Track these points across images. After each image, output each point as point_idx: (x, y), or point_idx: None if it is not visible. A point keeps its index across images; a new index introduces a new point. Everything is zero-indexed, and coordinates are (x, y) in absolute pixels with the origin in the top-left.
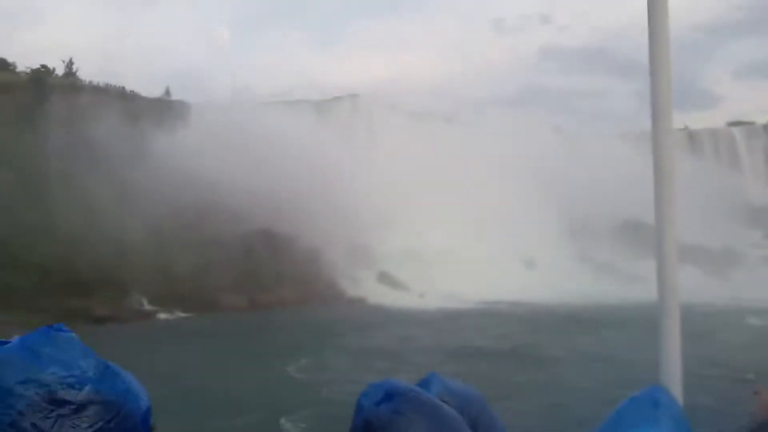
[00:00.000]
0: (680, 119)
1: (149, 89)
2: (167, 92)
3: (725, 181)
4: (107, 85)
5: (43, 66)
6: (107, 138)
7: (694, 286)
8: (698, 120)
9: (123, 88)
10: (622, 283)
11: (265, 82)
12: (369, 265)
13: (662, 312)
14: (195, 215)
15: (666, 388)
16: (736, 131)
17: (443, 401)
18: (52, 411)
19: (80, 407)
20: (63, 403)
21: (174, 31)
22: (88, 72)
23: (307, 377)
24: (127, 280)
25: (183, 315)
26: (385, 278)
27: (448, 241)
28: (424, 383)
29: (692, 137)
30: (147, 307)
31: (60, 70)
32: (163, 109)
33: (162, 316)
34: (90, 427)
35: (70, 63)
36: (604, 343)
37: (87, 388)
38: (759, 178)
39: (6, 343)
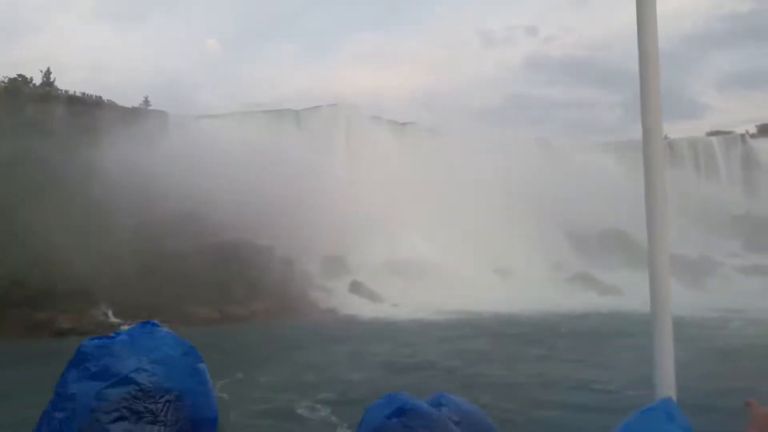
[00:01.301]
0: (663, 129)
1: (138, 101)
2: (146, 102)
3: (704, 191)
4: (83, 94)
5: (20, 76)
6: (80, 148)
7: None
8: (682, 130)
9: (100, 97)
10: (597, 293)
11: (255, 93)
12: (344, 276)
13: (655, 324)
14: (169, 226)
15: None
16: (714, 141)
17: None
18: (154, 401)
19: (173, 401)
20: (165, 391)
21: (165, 43)
22: (77, 84)
23: (226, 396)
24: (96, 292)
25: None
26: (359, 289)
27: (426, 251)
28: (434, 402)
29: (672, 147)
30: (112, 319)
31: (40, 81)
32: (141, 119)
33: (126, 328)
34: (177, 422)
35: (48, 73)
36: (551, 357)
37: (178, 386)
38: (737, 188)
39: (117, 335)
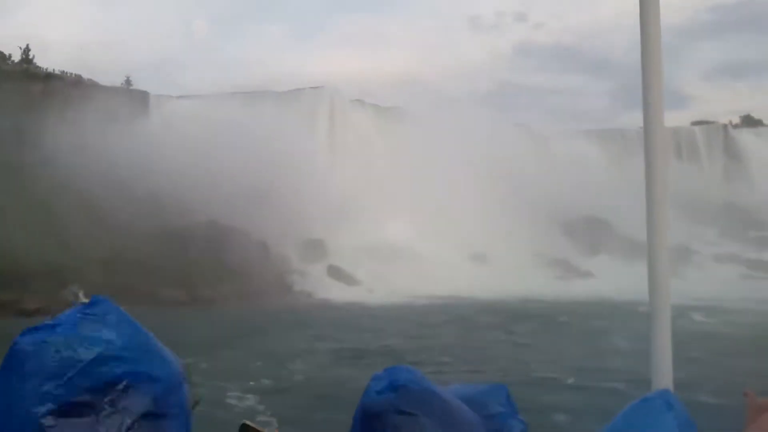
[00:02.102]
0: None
1: (121, 81)
2: (128, 81)
3: (684, 179)
4: (63, 72)
5: None
6: (55, 126)
7: (642, 283)
8: (668, 119)
9: (79, 76)
10: (573, 279)
11: (242, 75)
12: (322, 260)
13: (653, 313)
14: (143, 206)
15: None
16: (697, 130)
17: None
18: (112, 391)
19: (132, 386)
20: (120, 378)
21: (151, 23)
22: (61, 62)
23: None
24: (67, 272)
25: None
26: (335, 273)
27: (405, 236)
28: (492, 391)
29: None
30: (83, 299)
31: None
32: (121, 99)
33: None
34: (142, 405)
35: (27, 50)
36: (506, 343)
37: (135, 369)
38: (717, 177)
39: (58, 322)
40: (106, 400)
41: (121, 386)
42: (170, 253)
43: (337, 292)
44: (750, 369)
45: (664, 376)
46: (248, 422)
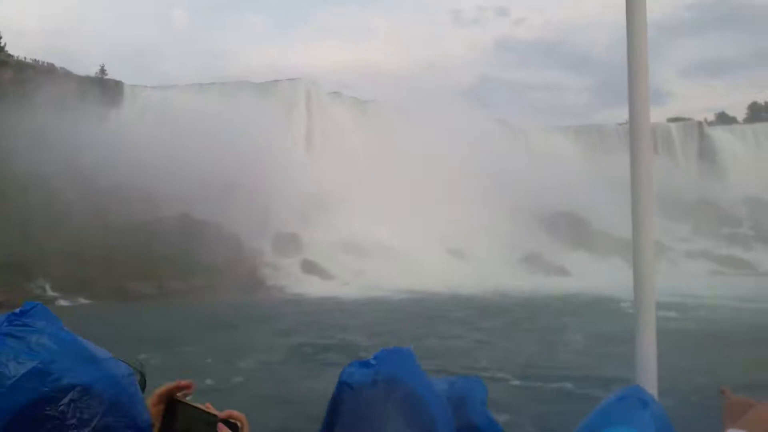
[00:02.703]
0: (625, 115)
1: (96, 70)
2: (102, 71)
3: (659, 175)
4: (35, 61)
5: None
6: (22, 115)
7: (616, 278)
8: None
9: (52, 64)
10: (548, 274)
11: (220, 65)
12: (296, 254)
13: (638, 310)
14: (112, 199)
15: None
16: (673, 127)
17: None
18: (54, 406)
19: (78, 398)
20: (66, 390)
21: (129, 12)
22: (37, 51)
23: None
24: (31, 265)
25: (85, 302)
26: (310, 267)
27: (382, 231)
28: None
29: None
30: (49, 293)
31: None
32: (95, 88)
33: (62, 303)
34: (92, 418)
35: None
36: (463, 338)
37: (81, 378)
38: (692, 173)
39: None
40: (48, 415)
41: (65, 400)
42: (140, 247)
43: (310, 287)
44: (715, 366)
45: (648, 373)
46: (178, 396)
